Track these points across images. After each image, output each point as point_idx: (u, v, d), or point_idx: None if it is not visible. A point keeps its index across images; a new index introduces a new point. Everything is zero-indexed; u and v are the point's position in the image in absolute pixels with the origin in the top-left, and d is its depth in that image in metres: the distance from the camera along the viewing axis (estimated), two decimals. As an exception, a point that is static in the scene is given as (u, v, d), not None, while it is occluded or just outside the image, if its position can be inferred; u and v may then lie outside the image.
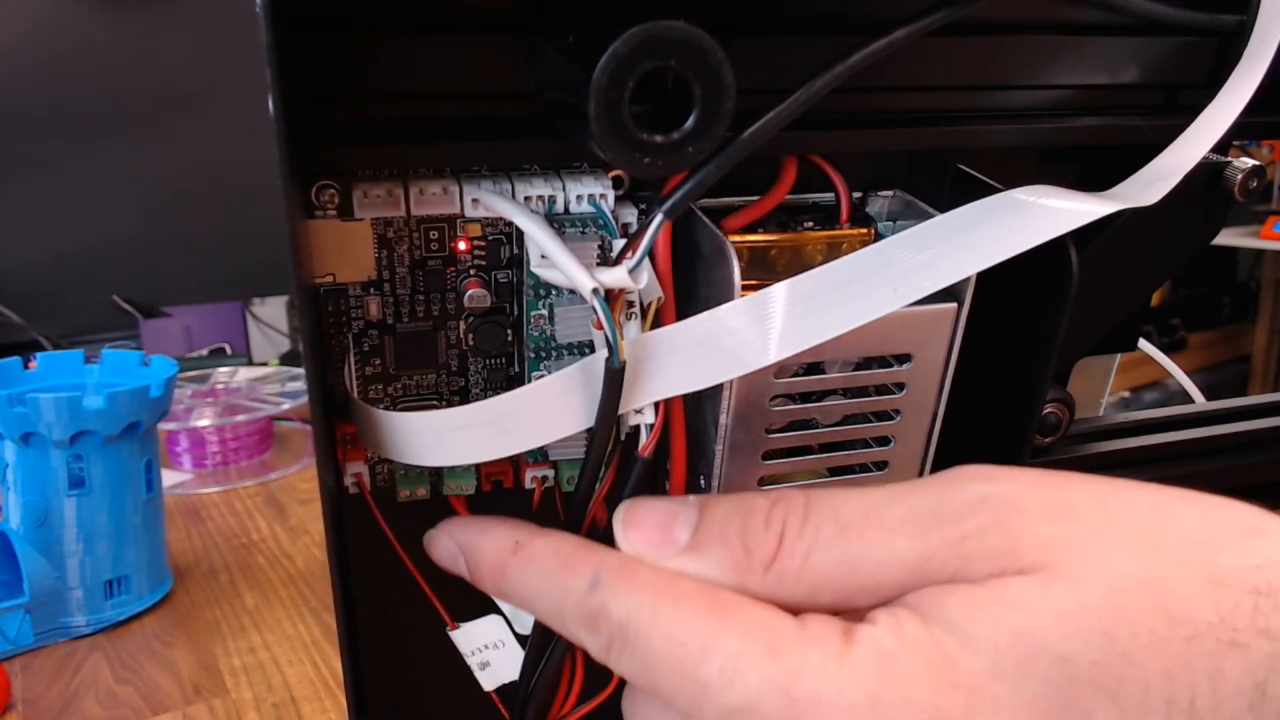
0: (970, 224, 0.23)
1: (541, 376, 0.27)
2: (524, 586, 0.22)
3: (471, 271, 0.26)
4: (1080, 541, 0.17)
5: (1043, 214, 0.23)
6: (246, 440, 0.84)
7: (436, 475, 0.29)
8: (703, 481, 0.27)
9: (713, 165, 0.22)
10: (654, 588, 0.20)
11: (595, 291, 0.22)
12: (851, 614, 0.19)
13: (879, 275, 0.23)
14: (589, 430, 0.25)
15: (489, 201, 0.24)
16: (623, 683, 0.23)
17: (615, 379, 0.23)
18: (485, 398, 0.25)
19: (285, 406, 0.87)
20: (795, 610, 0.19)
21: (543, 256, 0.24)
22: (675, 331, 0.24)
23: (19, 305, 1.01)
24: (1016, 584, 0.17)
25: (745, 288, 0.24)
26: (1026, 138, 0.28)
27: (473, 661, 0.29)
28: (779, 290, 0.23)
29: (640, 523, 0.22)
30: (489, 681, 0.30)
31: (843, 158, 0.27)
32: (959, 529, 0.18)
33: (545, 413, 0.24)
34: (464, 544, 0.24)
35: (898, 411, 0.27)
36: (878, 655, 0.18)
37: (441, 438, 0.25)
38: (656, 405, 0.25)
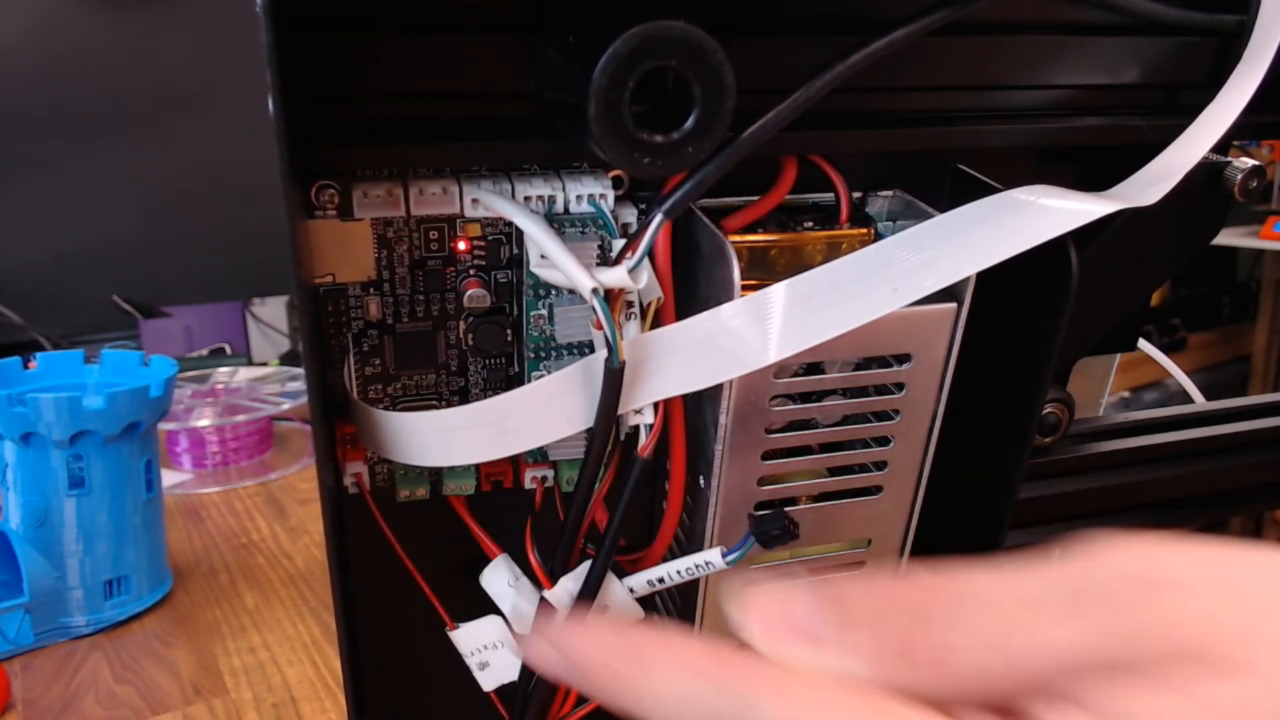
0: (970, 224, 0.23)
1: (541, 376, 0.27)
2: (658, 707, 0.19)
3: (471, 271, 0.26)
4: (1258, 628, 0.16)
5: (1042, 214, 0.23)
6: (246, 440, 0.84)
7: (436, 475, 0.29)
8: (702, 481, 0.27)
9: (713, 165, 0.22)
10: (819, 707, 0.18)
11: (595, 291, 0.22)
12: (1001, 705, 0.18)
13: (878, 275, 0.23)
14: (588, 430, 0.25)
15: (489, 201, 0.24)
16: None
17: (615, 379, 0.23)
18: (485, 398, 0.25)
19: (285, 406, 0.86)
20: (944, 703, 0.18)
21: (542, 256, 0.24)
22: (675, 331, 0.24)
23: (19, 305, 1.01)
24: (1191, 675, 0.16)
25: (745, 288, 0.24)
26: (1026, 138, 0.28)
27: (472, 662, 0.29)
28: (778, 290, 0.23)
29: (768, 614, 0.20)
30: (489, 682, 0.30)
31: (843, 158, 0.27)
32: (1119, 612, 0.17)
33: (545, 413, 0.24)
34: (577, 661, 0.21)
35: (897, 411, 0.27)
36: None
37: (441, 438, 0.25)
38: (656, 405, 0.25)
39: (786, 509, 0.27)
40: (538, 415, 0.24)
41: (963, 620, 0.18)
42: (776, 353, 0.23)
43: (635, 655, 0.19)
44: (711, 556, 0.26)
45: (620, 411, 0.24)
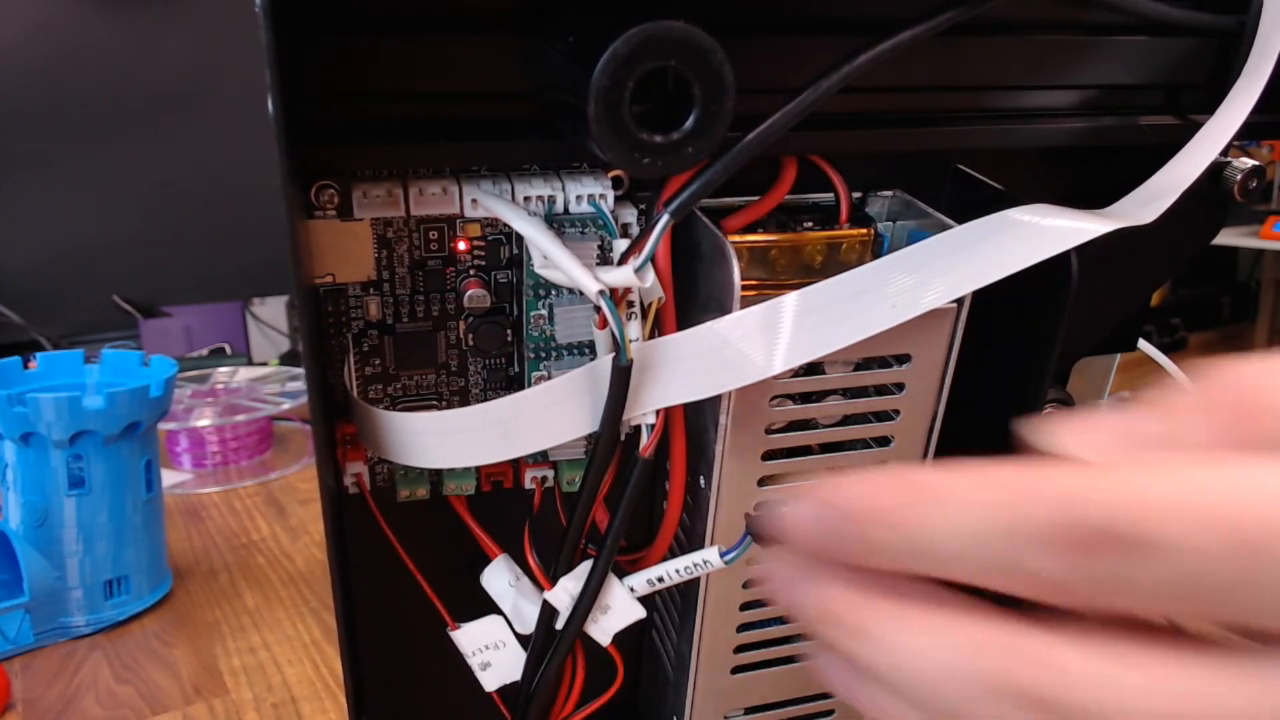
0: (968, 243, 0.23)
1: (542, 377, 0.27)
2: (946, 532, 0.16)
3: (471, 271, 0.26)
4: None
5: (1039, 234, 0.23)
6: (246, 440, 0.84)
7: (436, 475, 0.29)
8: (703, 481, 0.27)
9: (719, 165, 0.22)
10: (1151, 473, 0.14)
11: (601, 293, 0.23)
12: None
13: (878, 292, 0.23)
14: (589, 434, 0.25)
15: (489, 205, 0.24)
16: (628, 682, 0.22)
17: (623, 377, 0.23)
18: (485, 398, 0.25)
19: (285, 406, 0.86)
20: None
21: (544, 257, 0.24)
22: (677, 341, 0.24)
23: (19, 305, 1.01)
24: None
25: (745, 288, 0.24)
26: (1026, 138, 0.28)
27: (474, 662, 0.29)
28: (781, 304, 0.23)
29: (1092, 435, 0.17)
30: (490, 682, 0.30)
31: (843, 158, 0.27)
32: None
33: (548, 416, 0.24)
34: (848, 501, 0.17)
35: (897, 412, 0.27)
36: None
37: (443, 439, 0.25)
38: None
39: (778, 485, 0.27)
40: (540, 419, 0.24)
41: None
42: (780, 365, 0.23)
43: (918, 490, 0.16)
44: (710, 555, 0.26)
45: (624, 418, 0.24)
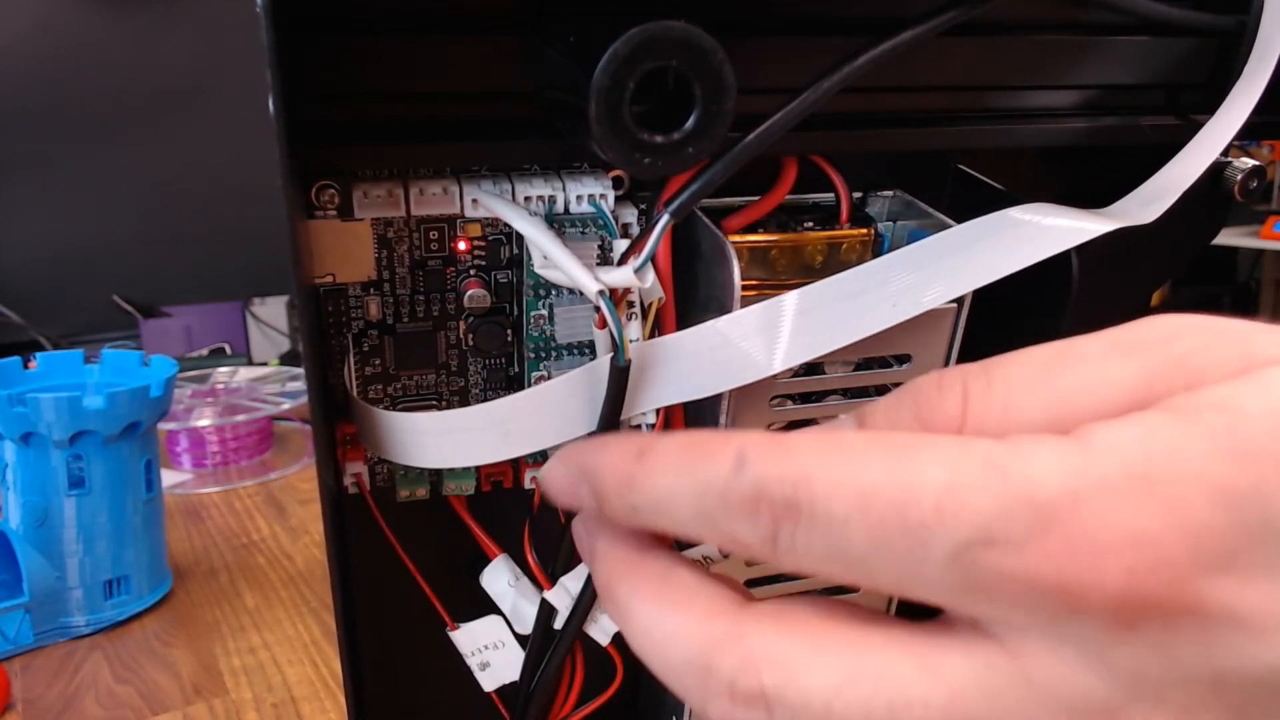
0: (968, 242, 0.23)
1: (542, 377, 0.27)
2: (655, 494, 0.18)
3: (471, 271, 0.26)
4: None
5: (1040, 233, 0.23)
6: (246, 440, 0.84)
7: (436, 475, 0.29)
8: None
9: (720, 165, 0.22)
10: (818, 448, 0.16)
11: (601, 293, 0.23)
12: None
13: (879, 291, 0.23)
14: (590, 434, 0.25)
15: (489, 205, 0.24)
16: (628, 682, 0.22)
17: (620, 377, 0.23)
18: (485, 398, 0.25)
19: (285, 406, 0.87)
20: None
21: (544, 257, 0.24)
22: (677, 340, 0.24)
23: (19, 305, 1.01)
24: (1270, 372, 0.15)
25: (745, 288, 0.24)
26: (1026, 138, 0.28)
27: (473, 662, 0.29)
28: (782, 303, 0.23)
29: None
30: (489, 682, 0.30)
31: (843, 158, 0.27)
32: (1177, 348, 0.16)
33: (548, 416, 0.24)
34: (584, 465, 0.20)
35: (898, 412, 0.27)
36: (1128, 440, 0.14)
37: (443, 439, 0.25)
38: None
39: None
40: (540, 418, 0.24)
41: (1011, 382, 0.17)
42: (780, 364, 0.23)
43: (638, 452, 0.18)
44: (708, 550, 0.26)
45: (622, 417, 0.24)
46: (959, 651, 0.15)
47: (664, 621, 0.18)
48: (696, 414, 0.27)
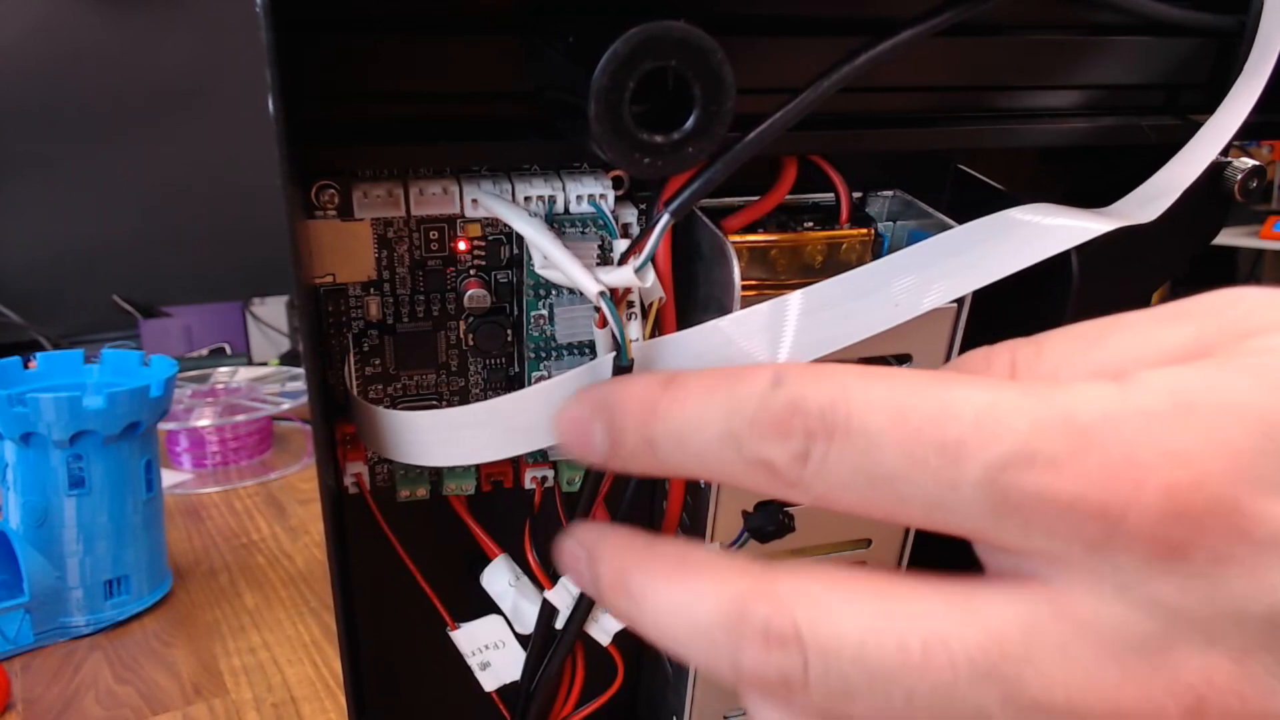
0: (970, 243, 0.24)
1: (542, 376, 0.27)
2: (680, 420, 0.17)
3: (471, 271, 0.26)
4: None
5: (1041, 233, 0.23)
6: (246, 440, 0.84)
7: (436, 475, 0.29)
8: (703, 481, 0.27)
9: (719, 165, 0.22)
10: (856, 370, 0.16)
11: (602, 294, 0.23)
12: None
13: (883, 292, 0.23)
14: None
15: (490, 206, 0.24)
16: (628, 682, 0.22)
17: (622, 377, 0.23)
18: (485, 398, 0.25)
19: (285, 406, 0.86)
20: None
21: (544, 258, 0.24)
22: (679, 340, 0.24)
23: (19, 305, 1.01)
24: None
25: (745, 288, 0.24)
26: (1026, 138, 0.28)
27: (473, 662, 0.29)
28: (785, 303, 0.23)
29: None
30: (490, 682, 0.30)
31: (843, 158, 0.27)
32: (1231, 313, 0.16)
33: (549, 414, 0.24)
34: (602, 399, 0.19)
35: (898, 411, 0.27)
36: (1172, 376, 0.14)
37: (444, 437, 0.25)
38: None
39: (785, 507, 0.27)
40: (542, 417, 0.24)
41: (1060, 352, 0.17)
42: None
43: (663, 382, 0.18)
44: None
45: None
46: (997, 595, 0.15)
47: (689, 591, 0.17)
48: (696, 414, 0.27)
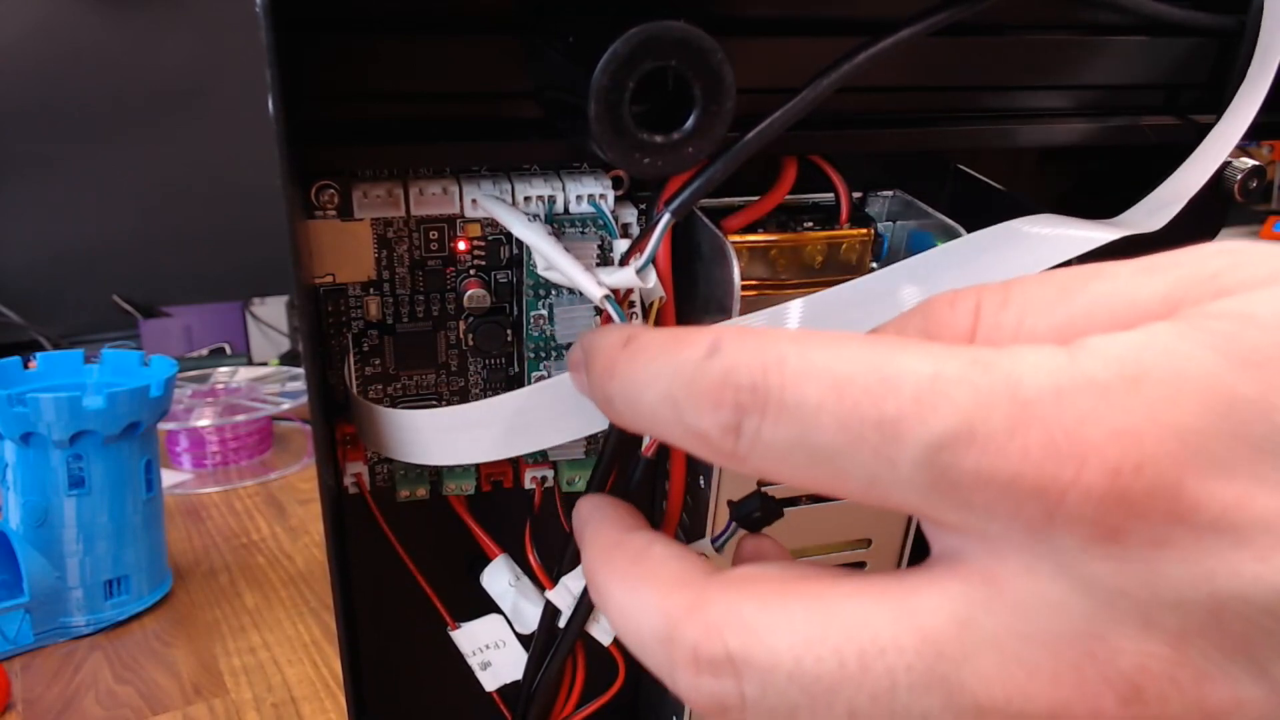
0: (974, 253, 0.24)
1: (541, 377, 0.27)
2: (630, 382, 0.17)
3: (471, 271, 0.26)
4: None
5: (1046, 244, 0.23)
6: (246, 440, 0.84)
7: (436, 475, 0.29)
8: (702, 481, 0.27)
9: (719, 164, 0.22)
10: (797, 337, 0.15)
11: (607, 297, 0.23)
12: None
13: (887, 301, 0.23)
14: (594, 433, 0.25)
15: (491, 210, 0.24)
16: (629, 682, 0.22)
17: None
18: (485, 398, 0.25)
19: (285, 406, 0.86)
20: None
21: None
22: None
23: (19, 305, 1.01)
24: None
25: (745, 288, 0.24)
26: (1027, 138, 0.28)
27: (474, 661, 0.29)
28: (788, 310, 0.23)
29: None
30: (490, 682, 0.30)
31: (843, 158, 0.27)
32: (1210, 265, 0.15)
33: (552, 414, 0.24)
34: (585, 344, 0.19)
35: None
36: (1123, 344, 0.14)
37: (444, 436, 0.25)
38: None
39: (786, 507, 0.27)
40: (544, 416, 0.24)
41: (1029, 301, 0.16)
42: None
43: (625, 340, 0.18)
44: (702, 546, 0.26)
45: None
46: (932, 588, 0.15)
47: (633, 598, 0.17)
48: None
